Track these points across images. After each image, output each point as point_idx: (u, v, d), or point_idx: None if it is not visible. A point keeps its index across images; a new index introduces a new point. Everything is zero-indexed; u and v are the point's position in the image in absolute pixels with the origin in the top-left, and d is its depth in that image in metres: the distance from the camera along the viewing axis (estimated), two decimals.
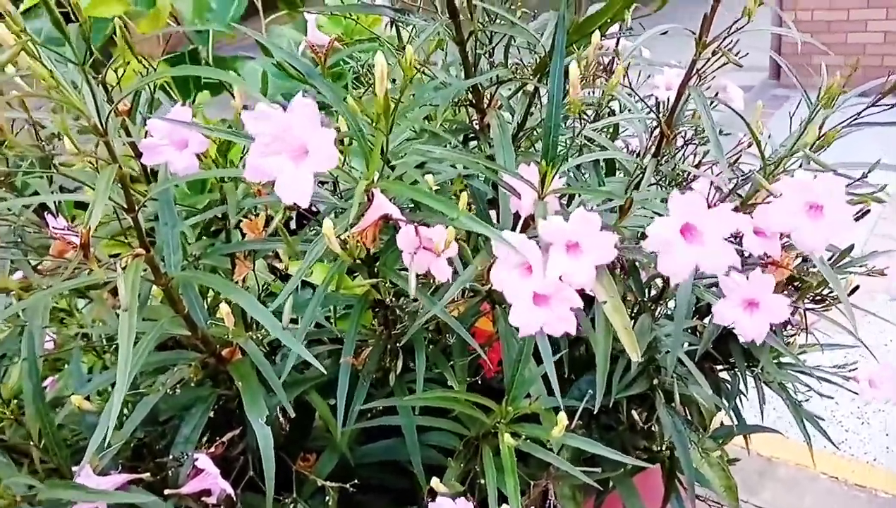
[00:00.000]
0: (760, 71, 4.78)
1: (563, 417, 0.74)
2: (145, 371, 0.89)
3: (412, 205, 0.84)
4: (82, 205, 1.08)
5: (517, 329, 0.67)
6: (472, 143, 1.03)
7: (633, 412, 1.00)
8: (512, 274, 0.65)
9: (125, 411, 0.86)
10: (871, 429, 2.06)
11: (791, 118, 0.98)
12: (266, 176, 0.59)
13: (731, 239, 0.73)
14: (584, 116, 1.13)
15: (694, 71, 0.87)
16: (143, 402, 0.78)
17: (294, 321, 0.90)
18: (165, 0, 1.38)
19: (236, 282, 0.83)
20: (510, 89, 0.98)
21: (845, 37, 4.49)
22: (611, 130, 1.17)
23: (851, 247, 0.96)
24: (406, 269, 0.87)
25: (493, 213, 0.99)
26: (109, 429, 0.57)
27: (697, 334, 1.11)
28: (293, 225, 1.34)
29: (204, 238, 0.93)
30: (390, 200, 0.72)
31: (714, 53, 0.78)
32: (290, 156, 0.59)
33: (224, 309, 0.72)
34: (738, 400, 1.23)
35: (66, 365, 1.20)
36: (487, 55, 0.92)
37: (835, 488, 1.86)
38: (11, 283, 0.70)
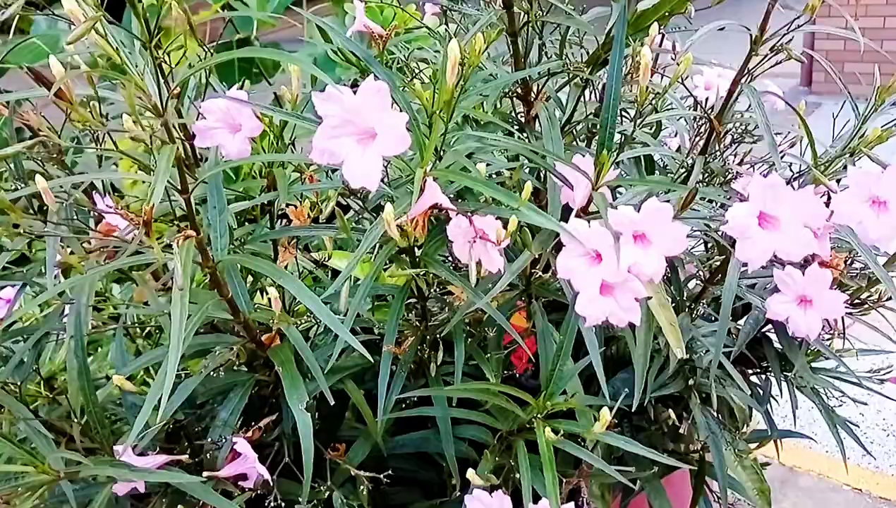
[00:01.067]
0: (792, 77, 4.74)
1: (605, 413, 0.74)
2: (185, 353, 0.89)
3: (455, 196, 0.84)
4: (115, 190, 1.08)
5: (575, 317, 0.66)
6: (515, 136, 1.03)
7: (670, 411, 0.99)
8: (579, 262, 0.65)
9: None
10: None
11: (835, 120, 0.97)
12: (333, 158, 0.58)
13: None
14: (626, 114, 1.12)
15: (745, 69, 0.86)
16: (183, 385, 0.78)
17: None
18: None
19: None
20: (556, 82, 0.97)
21: (881, 44, 4.43)
22: (653, 129, 1.16)
23: None
24: (447, 260, 0.87)
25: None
26: (163, 406, 0.57)
27: (733, 335, 1.10)
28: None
29: (247, 224, 0.93)
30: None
31: (772, 50, 0.76)
32: (358, 138, 0.59)
33: (273, 293, 0.72)
34: (770, 406, 1.22)
35: (97, 349, 1.21)
36: (540, 47, 0.91)
37: (858, 499, 1.84)
38: (72, 259, 0.70)
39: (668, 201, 0.80)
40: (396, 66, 1.09)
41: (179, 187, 0.68)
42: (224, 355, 0.78)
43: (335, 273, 1.18)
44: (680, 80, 0.81)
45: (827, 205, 0.75)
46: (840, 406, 1.20)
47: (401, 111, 0.71)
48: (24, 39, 1.62)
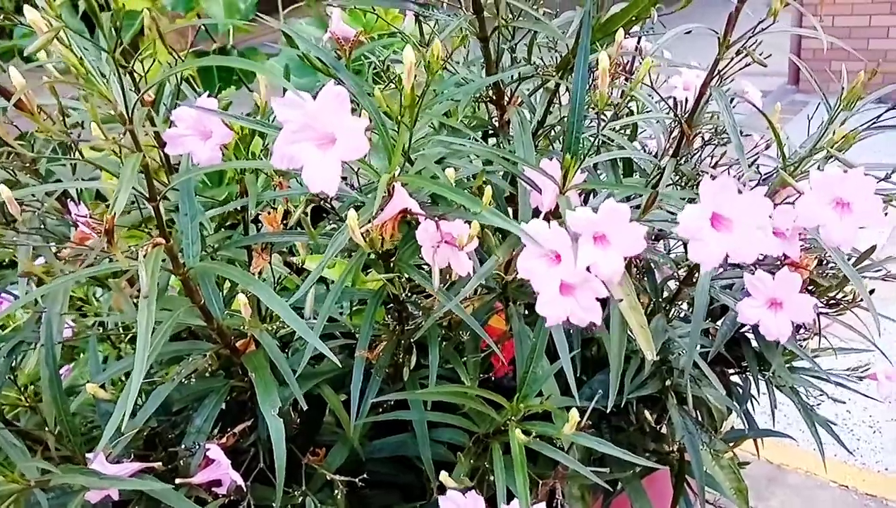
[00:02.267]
0: (779, 76, 4.75)
1: (574, 414, 0.74)
2: (160, 360, 0.90)
3: (429, 201, 0.84)
4: (101, 197, 1.09)
5: (541, 319, 0.67)
6: (491, 141, 1.03)
7: (647, 413, 0.99)
8: (540, 262, 0.66)
9: (138, 401, 0.86)
10: (883, 438, 2.04)
11: (810, 120, 0.97)
12: (293, 163, 0.59)
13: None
14: (603, 116, 1.13)
15: (716, 71, 0.87)
16: (156, 392, 0.78)
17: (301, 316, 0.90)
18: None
19: (252, 274, 0.84)
20: (529, 87, 0.98)
21: (867, 42, 4.46)
22: (629, 131, 1.17)
23: (874, 248, 0.96)
24: (422, 265, 0.88)
25: (510, 211, 0.99)
26: (126, 416, 0.58)
27: (709, 336, 1.10)
28: (309, 221, 1.34)
29: (221, 230, 0.93)
30: (410, 195, 0.72)
31: (738, 53, 0.77)
32: (317, 144, 0.59)
33: (241, 299, 0.73)
34: (749, 405, 1.23)
35: (81, 355, 1.21)
36: (510, 52, 0.91)
37: (845, 496, 1.85)
38: (35, 268, 0.71)
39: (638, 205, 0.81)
40: (373, 70, 1.10)
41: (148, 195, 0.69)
42: (197, 362, 0.78)
43: (321, 279, 1.18)
44: (647, 82, 0.82)
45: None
46: (820, 405, 1.20)
47: (369, 117, 0.72)
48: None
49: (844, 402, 1.18)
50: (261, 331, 0.76)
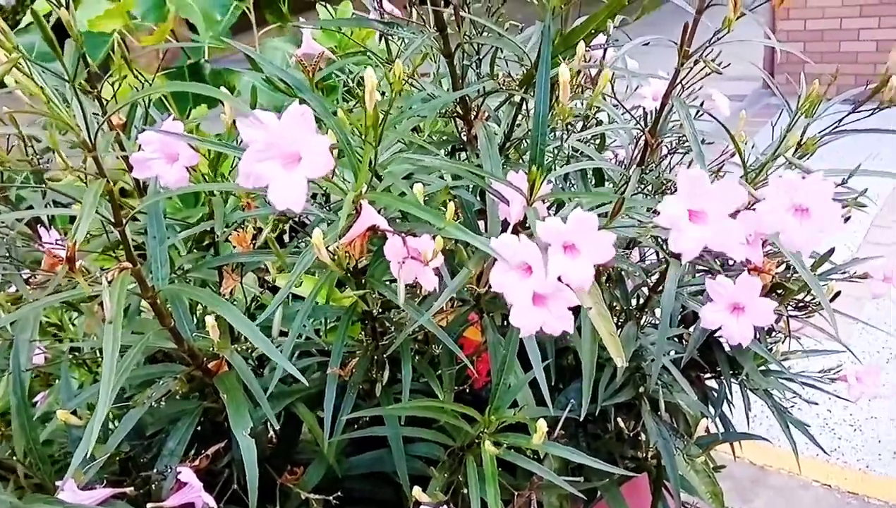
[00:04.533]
0: (755, 80, 4.82)
1: (542, 425, 0.75)
2: (133, 384, 0.89)
3: (400, 216, 0.85)
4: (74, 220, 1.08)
5: (512, 331, 0.68)
6: (461, 155, 1.04)
7: (620, 420, 1.00)
8: (511, 275, 0.66)
9: (111, 425, 0.86)
10: (864, 436, 2.06)
11: (773, 127, 0.99)
12: (259, 182, 0.59)
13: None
14: (572, 127, 1.15)
15: (678, 81, 0.89)
16: (128, 416, 0.78)
17: (285, 334, 0.90)
18: (173, 15, 1.40)
19: (223, 295, 0.84)
20: (499, 101, 0.99)
21: (838, 45, 4.54)
22: (598, 141, 1.19)
23: (832, 251, 0.97)
24: (395, 280, 0.88)
25: (481, 224, 1.00)
26: (91, 443, 0.57)
27: (683, 342, 1.12)
28: (286, 239, 1.35)
29: (195, 251, 0.93)
30: (379, 211, 0.73)
31: (697, 63, 0.79)
32: (283, 163, 0.60)
33: (209, 321, 0.73)
34: (729, 409, 1.24)
35: (57, 380, 1.20)
36: (475, 67, 0.93)
37: (827, 495, 1.87)
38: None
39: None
40: (344, 88, 1.11)
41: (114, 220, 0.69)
42: (168, 384, 0.78)
43: (294, 296, 1.18)
44: (617, 92, 0.83)
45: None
46: (794, 406, 1.22)
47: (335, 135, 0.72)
48: None
49: (817, 404, 1.19)
50: (231, 352, 0.76)
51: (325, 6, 1.39)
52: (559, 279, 0.68)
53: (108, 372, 0.60)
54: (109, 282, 0.64)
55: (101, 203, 0.72)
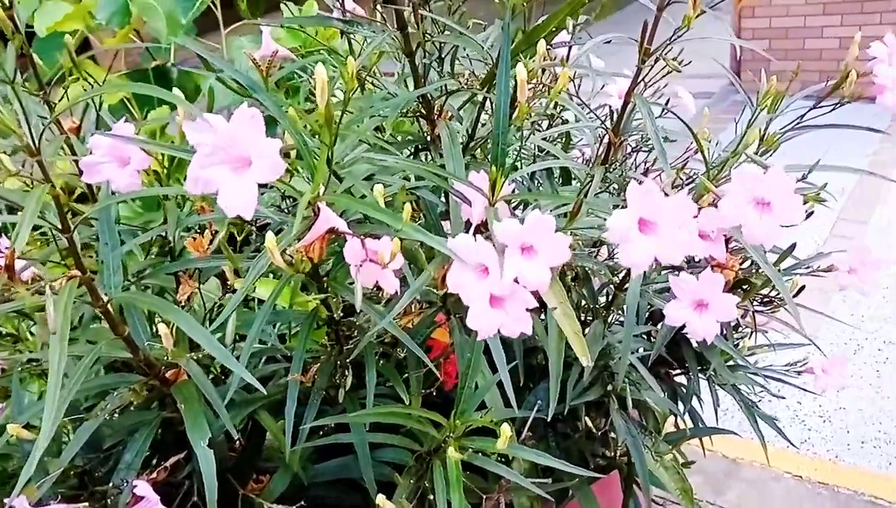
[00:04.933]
0: (722, 78, 4.89)
1: (506, 428, 0.74)
2: (89, 395, 0.86)
3: (362, 218, 0.84)
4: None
5: (475, 333, 0.66)
6: (426, 155, 1.03)
7: (588, 418, 1.00)
8: (468, 276, 0.65)
9: (65, 438, 0.83)
10: (833, 427, 2.09)
11: (737, 124, 0.99)
12: (208, 187, 0.57)
13: None
14: (537, 127, 1.14)
15: (640, 79, 0.88)
16: (82, 428, 0.75)
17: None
18: (136, 17, 1.36)
19: (181, 302, 0.82)
20: (463, 100, 0.98)
21: (803, 42, 4.62)
22: (563, 140, 1.18)
23: (793, 247, 0.98)
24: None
25: (446, 225, 0.99)
26: (35, 460, 0.55)
27: (652, 339, 1.12)
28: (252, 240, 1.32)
29: (155, 257, 0.91)
30: (339, 214, 0.71)
31: (658, 61, 0.79)
32: (232, 167, 0.58)
33: (163, 329, 0.71)
34: (699, 404, 1.25)
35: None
36: (437, 66, 0.91)
37: (798, 486, 1.89)
38: None
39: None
40: (308, 87, 1.09)
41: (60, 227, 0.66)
42: (123, 395, 0.76)
43: (261, 301, 1.16)
44: (573, 92, 0.82)
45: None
46: (760, 401, 1.23)
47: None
48: None
49: (784, 398, 1.20)
50: (187, 360, 0.74)
51: (288, 5, 1.37)
52: (516, 280, 0.67)
53: (54, 386, 0.57)
54: (55, 292, 0.62)
55: (48, 208, 0.70)
